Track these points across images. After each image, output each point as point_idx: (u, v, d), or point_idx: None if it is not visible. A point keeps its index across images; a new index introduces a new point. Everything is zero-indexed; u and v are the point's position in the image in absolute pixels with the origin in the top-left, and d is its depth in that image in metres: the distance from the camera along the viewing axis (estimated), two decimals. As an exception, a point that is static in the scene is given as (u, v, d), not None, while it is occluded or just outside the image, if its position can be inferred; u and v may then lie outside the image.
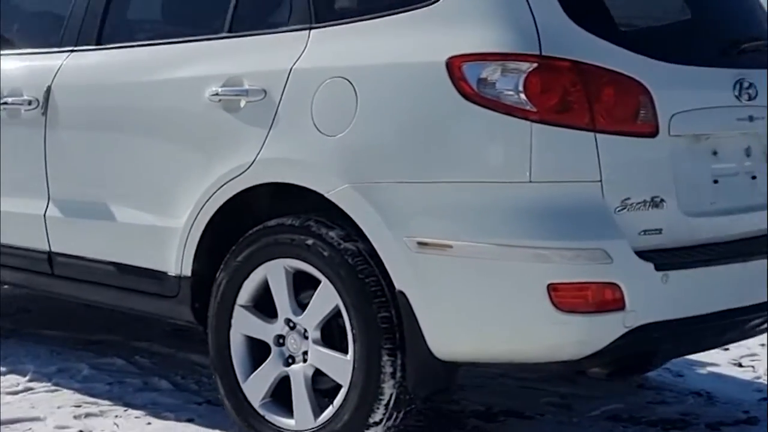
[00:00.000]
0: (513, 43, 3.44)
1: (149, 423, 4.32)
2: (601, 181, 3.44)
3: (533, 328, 3.44)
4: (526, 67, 3.41)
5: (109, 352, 5.24)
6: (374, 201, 3.57)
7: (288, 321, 3.84)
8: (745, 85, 3.83)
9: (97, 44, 4.50)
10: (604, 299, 3.41)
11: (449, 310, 3.51)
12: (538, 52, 3.41)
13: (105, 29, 4.49)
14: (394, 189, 3.54)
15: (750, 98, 3.84)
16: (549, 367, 3.62)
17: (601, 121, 3.44)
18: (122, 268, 4.32)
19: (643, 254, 3.47)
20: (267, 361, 3.91)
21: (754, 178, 3.96)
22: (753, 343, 5.45)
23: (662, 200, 3.57)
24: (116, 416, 4.37)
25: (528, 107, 3.39)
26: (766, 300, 3.81)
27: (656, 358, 3.72)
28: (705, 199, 3.76)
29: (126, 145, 4.28)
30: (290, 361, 3.86)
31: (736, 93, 3.80)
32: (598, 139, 3.43)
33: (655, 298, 3.50)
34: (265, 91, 3.83)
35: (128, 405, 4.51)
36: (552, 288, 3.38)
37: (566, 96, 3.41)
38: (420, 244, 3.49)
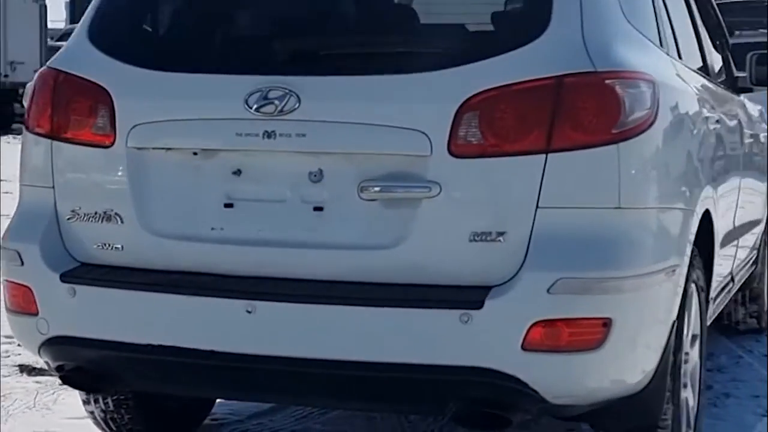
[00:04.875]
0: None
1: None
2: (53, 187, 3.62)
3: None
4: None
5: None
6: None
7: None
8: (273, 95, 3.33)
9: None
10: (21, 301, 3.60)
11: None
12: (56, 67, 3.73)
13: None
14: None
15: (280, 111, 3.32)
16: None
17: (56, 127, 3.61)
18: None
19: (81, 267, 3.54)
20: None
21: (319, 209, 3.38)
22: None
23: (117, 215, 3.50)
24: None
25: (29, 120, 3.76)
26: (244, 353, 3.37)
27: (119, 381, 3.68)
28: (202, 222, 3.45)
29: None
30: None
31: (250, 104, 3.34)
32: (53, 146, 3.63)
33: (63, 310, 3.52)
34: None
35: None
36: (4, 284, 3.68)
37: (39, 104, 3.69)
38: None
